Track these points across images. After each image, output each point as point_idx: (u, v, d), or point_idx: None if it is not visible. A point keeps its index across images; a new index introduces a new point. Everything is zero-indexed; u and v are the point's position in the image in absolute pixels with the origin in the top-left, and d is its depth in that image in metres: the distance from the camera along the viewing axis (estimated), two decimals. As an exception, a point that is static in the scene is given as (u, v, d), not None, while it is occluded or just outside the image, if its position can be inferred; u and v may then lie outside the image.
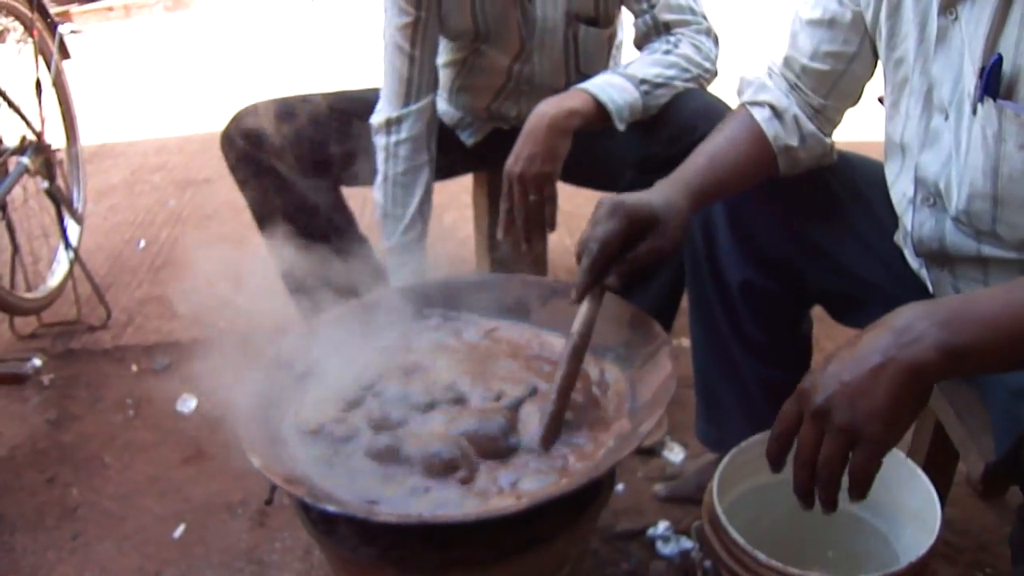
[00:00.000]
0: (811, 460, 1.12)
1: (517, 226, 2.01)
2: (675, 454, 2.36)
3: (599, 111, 2.05)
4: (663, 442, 2.39)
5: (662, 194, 1.58)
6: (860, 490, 1.11)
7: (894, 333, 1.07)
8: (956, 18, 1.43)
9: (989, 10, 1.37)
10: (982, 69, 1.38)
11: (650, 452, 2.38)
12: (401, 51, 2.26)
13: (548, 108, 2.03)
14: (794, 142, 1.73)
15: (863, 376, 1.07)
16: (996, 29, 1.36)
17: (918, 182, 1.58)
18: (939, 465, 1.91)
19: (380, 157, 2.31)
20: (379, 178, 2.31)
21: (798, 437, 1.14)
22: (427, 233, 2.34)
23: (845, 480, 1.12)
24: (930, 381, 1.07)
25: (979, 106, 1.40)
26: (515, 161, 1.99)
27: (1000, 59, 1.35)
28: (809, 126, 1.73)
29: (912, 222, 1.62)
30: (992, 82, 1.37)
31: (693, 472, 2.23)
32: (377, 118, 2.32)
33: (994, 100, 1.37)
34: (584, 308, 1.56)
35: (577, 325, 1.55)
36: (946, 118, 1.49)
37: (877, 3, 1.58)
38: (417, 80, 2.29)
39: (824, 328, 2.06)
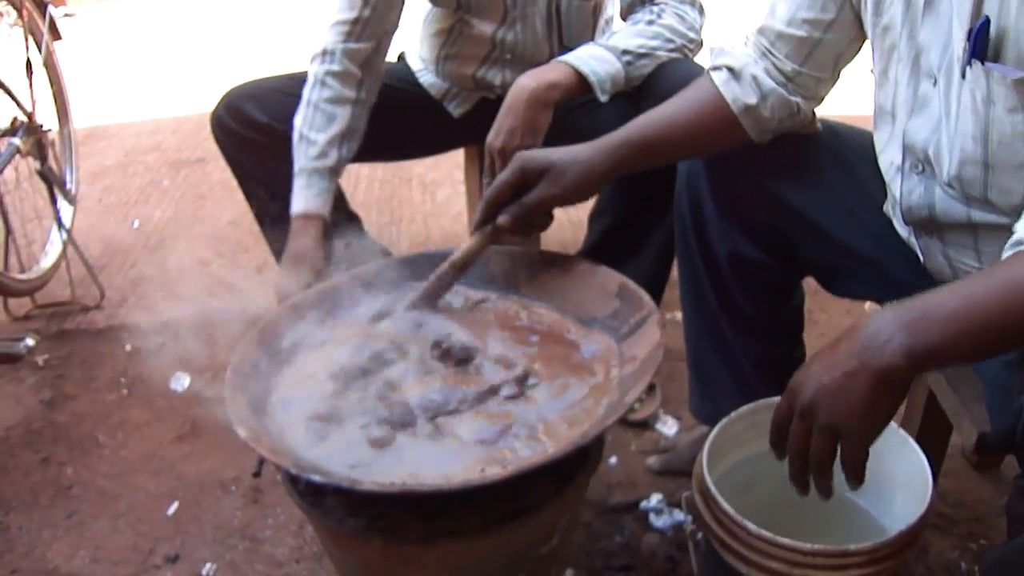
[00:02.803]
0: (803, 451, 1.20)
1: None
2: (668, 427, 2.36)
3: (580, 83, 2.05)
4: (656, 415, 2.39)
5: (571, 150, 1.69)
6: (855, 479, 1.18)
7: (865, 338, 1.15)
8: None
9: None
10: (970, 31, 1.37)
11: (643, 425, 2.38)
12: None
13: (528, 81, 2.02)
14: (752, 100, 1.71)
15: (839, 379, 1.15)
16: None
17: (906, 149, 1.58)
18: (932, 435, 1.91)
19: (308, 84, 2.27)
20: (301, 104, 2.26)
21: (790, 431, 1.22)
22: (342, 168, 2.27)
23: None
24: (901, 382, 1.14)
25: (967, 70, 1.39)
26: (496, 135, 1.99)
27: (988, 21, 1.34)
28: (769, 83, 1.71)
29: (901, 189, 1.61)
30: (980, 45, 1.36)
31: (686, 445, 2.24)
32: (320, 43, 2.29)
33: (982, 63, 1.36)
34: (469, 241, 1.76)
35: (457, 253, 1.76)
36: (934, 83, 1.48)
37: None
38: (364, 23, 2.26)
39: (818, 300, 2.06)
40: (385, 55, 2.38)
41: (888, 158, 1.63)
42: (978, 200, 1.47)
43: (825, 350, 1.20)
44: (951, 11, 1.41)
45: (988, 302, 1.13)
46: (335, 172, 2.24)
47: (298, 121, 2.24)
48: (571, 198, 1.69)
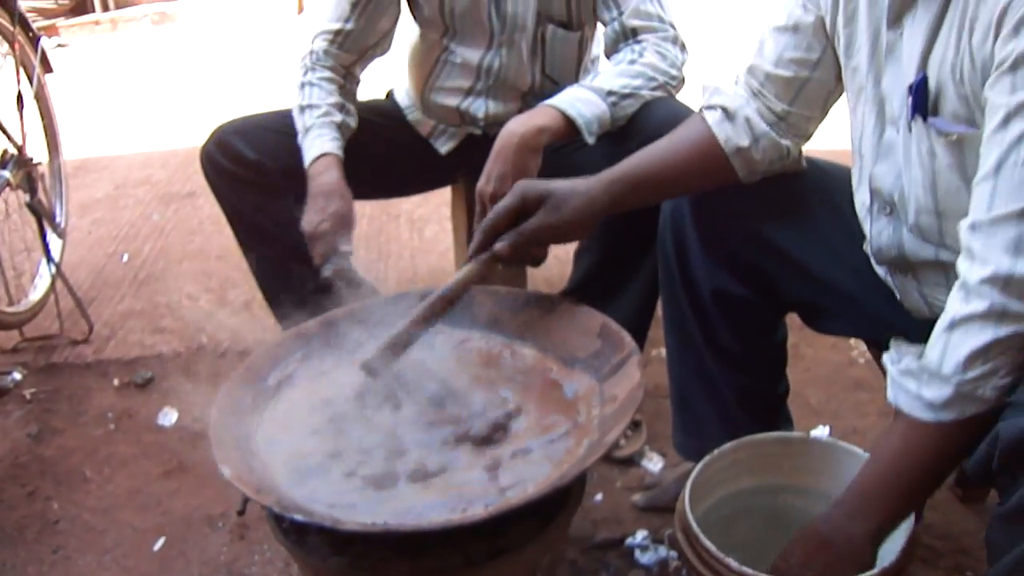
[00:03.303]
0: None
1: None
2: (654, 463, 2.36)
3: (568, 126, 2.06)
4: (642, 451, 2.39)
5: (571, 181, 1.70)
6: None
7: (833, 539, 1.42)
8: (902, 33, 1.45)
9: (924, 27, 1.39)
10: (910, 86, 1.40)
11: (629, 462, 2.37)
12: (343, 6, 2.40)
13: (517, 127, 2.03)
14: (745, 142, 1.73)
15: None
16: (929, 45, 1.39)
17: (873, 192, 1.60)
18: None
19: (300, 73, 2.41)
20: (296, 91, 2.39)
21: None
22: (346, 133, 2.36)
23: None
24: (871, 557, 1.41)
25: (912, 123, 1.43)
26: (486, 181, 1.99)
27: (925, 78, 1.38)
28: (762, 126, 1.73)
29: (871, 230, 1.63)
30: (919, 100, 1.39)
31: (672, 481, 2.23)
32: (307, 47, 2.44)
33: (924, 118, 1.40)
34: (465, 268, 1.75)
35: (452, 280, 1.74)
36: (898, 131, 1.51)
37: (834, 10, 1.60)
38: (347, 35, 2.41)
39: (804, 336, 2.07)
40: (364, 67, 2.51)
41: (860, 198, 1.66)
42: (939, 244, 1.50)
43: (794, 551, 1.45)
44: (908, 62, 1.44)
45: (897, 474, 1.39)
46: (341, 129, 2.34)
47: (296, 100, 2.36)
48: (569, 228, 1.69)
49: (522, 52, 2.38)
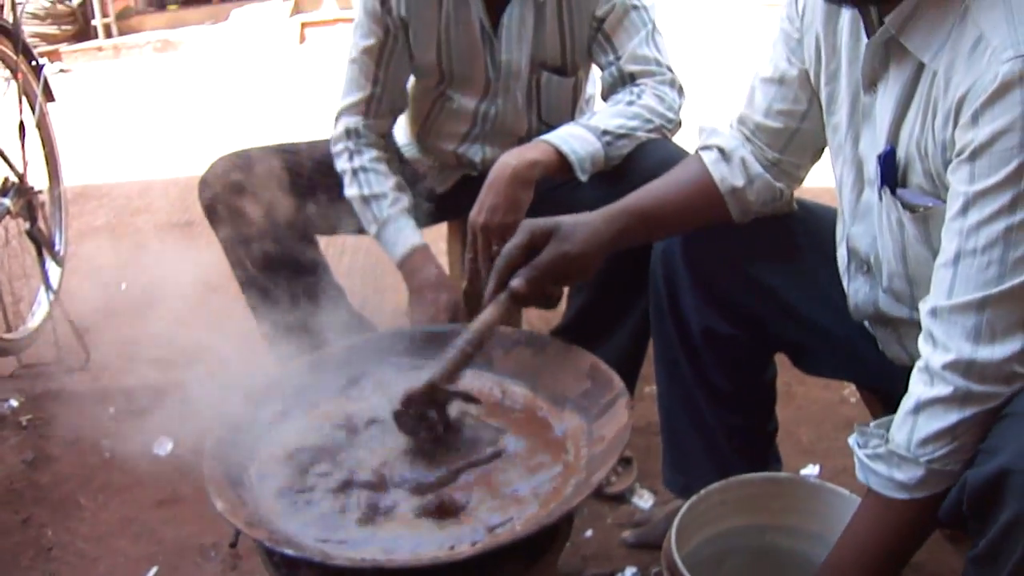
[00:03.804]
0: None
1: (482, 277, 2.03)
2: (644, 500, 2.37)
3: (561, 162, 2.08)
4: (632, 488, 2.40)
5: (576, 215, 1.70)
6: None
7: None
8: (876, 99, 1.47)
9: (895, 97, 1.41)
10: (879, 156, 1.43)
11: (619, 498, 2.38)
12: (366, 70, 2.37)
13: (510, 159, 2.05)
14: (740, 183, 1.75)
15: None
16: (899, 116, 1.41)
17: (851, 252, 1.63)
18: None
19: (343, 158, 2.38)
20: (347, 177, 2.37)
21: None
22: (414, 212, 2.37)
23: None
24: None
25: (882, 193, 1.45)
26: (478, 212, 2.01)
27: (892, 150, 1.41)
28: (757, 168, 1.76)
29: (848, 287, 1.66)
30: (888, 171, 1.42)
31: (662, 518, 2.24)
32: (338, 129, 2.40)
33: (892, 190, 1.43)
34: (484, 313, 1.70)
35: (473, 325, 1.69)
36: (874, 194, 1.54)
37: (817, 65, 1.62)
38: (378, 100, 2.40)
39: (796, 374, 2.08)
40: (392, 126, 2.51)
41: (840, 254, 1.69)
42: (913, 307, 1.53)
43: None
44: (880, 129, 1.47)
45: (873, 549, 1.41)
46: (412, 213, 2.35)
47: (352, 191, 2.35)
48: (580, 258, 1.67)
49: (517, 99, 2.40)
